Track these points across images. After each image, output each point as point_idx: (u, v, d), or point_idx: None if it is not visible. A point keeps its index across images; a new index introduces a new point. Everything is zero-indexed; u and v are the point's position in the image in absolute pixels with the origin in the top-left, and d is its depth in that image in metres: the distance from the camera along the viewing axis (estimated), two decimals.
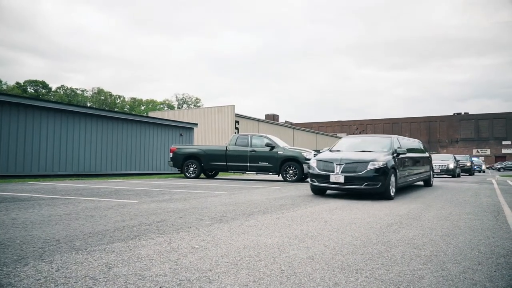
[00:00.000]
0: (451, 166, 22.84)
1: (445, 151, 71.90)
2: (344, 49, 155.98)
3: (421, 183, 13.90)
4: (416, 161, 11.49)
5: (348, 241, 4.11)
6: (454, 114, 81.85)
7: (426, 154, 13.62)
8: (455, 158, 24.37)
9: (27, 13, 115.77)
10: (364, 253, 3.60)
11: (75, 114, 16.85)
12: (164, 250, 3.54)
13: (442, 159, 24.17)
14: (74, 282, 2.63)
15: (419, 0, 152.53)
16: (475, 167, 44.22)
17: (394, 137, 10.47)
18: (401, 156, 9.68)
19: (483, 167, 47.73)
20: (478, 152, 73.45)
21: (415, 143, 13.01)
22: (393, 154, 9.26)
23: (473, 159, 48.69)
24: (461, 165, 28.55)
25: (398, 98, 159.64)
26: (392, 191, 8.81)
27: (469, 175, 30.98)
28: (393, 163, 8.93)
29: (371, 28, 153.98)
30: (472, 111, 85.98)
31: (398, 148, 9.68)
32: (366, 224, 5.22)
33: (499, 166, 56.84)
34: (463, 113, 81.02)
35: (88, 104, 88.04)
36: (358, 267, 3.15)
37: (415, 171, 11.38)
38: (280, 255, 3.46)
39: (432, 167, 14.33)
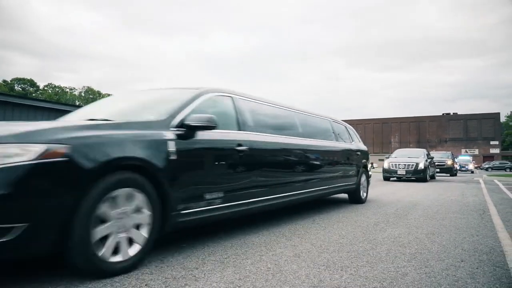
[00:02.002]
0: (421, 165, 16.49)
1: (434, 150, 72.64)
2: (337, 50, 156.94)
3: (344, 196, 7.98)
4: (297, 157, 5.41)
5: (335, 239, 4.14)
6: (443, 114, 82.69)
7: (349, 145, 7.51)
8: (427, 155, 18.50)
9: (20, 12, 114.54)
10: (350, 251, 3.63)
11: (63, 113, 16.70)
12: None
13: (409, 156, 17.94)
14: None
15: (411, 2, 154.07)
16: (460, 166, 36.68)
17: (207, 91, 4.19)
18: (202, 135, 3.68)
19: (470, 166, 39.05)
20: (467, 152, 74.30)
21: (314, 119, 6.59)
22: (178, 129, 3.48)
23: (461, 156, 43.91)
24: (438, 163, 23.60)
25: (389, 98, 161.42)
26: (123, 252, 2.82)
27: (450, 175, 25.13)
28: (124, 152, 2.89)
29: (364, 30, 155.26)
30: (462, 111, 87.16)
31: (197, 115, 3.62)
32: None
33: (487, 166, 57.60)
34: (452, 113, 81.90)
35: (77, 103, 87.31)
36: (344, 264, 3.18)
37: (297, 178, 5.36)
38: (266, 253, 3.48)
39: (367, 170, 8.20)
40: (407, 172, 16.65)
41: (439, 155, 26.37)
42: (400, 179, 17.70)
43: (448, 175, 25.32)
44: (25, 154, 2.36)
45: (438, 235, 4.54)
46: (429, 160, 17.85)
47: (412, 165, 16.63)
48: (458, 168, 32.37)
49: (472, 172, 38.79)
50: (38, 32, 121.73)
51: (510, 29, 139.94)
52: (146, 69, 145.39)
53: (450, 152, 29.22)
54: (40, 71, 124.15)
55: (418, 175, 16.51)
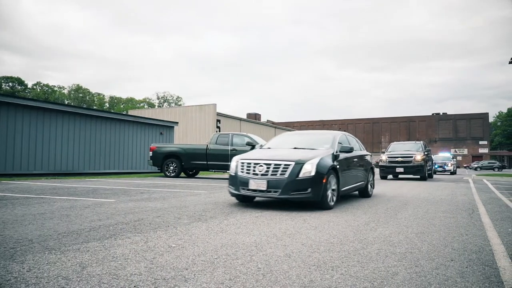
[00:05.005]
0: (310, 169, 6.32)
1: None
2: (326, 51, 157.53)
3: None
4: None
5: (325, 239, 4.14)
6: (433, 114, 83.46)
7: None
8: (341, 149, 7.50)
9: (8, 10, 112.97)
10: (340, 251, 3.63)
11: (52, 112, 16.50)
12: (140, 249, 3.50)
13: (294, 146, 7.58)
14: (46, 282, 2.57)
15: (399, 4, 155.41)
16: (437, 166, 29.23)
17: None
18: None
19: (449, 166, 30.04)
20: (456, 152, 75.04)
21: None
22: None
23: (440, 153, 36.94)
24: (401, 159, 17.21)
25: (379, 99, 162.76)
26: None
27: (421, 178, 17.54)
28: None
29: (353, 31, 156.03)
30: (451, 111, 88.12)
31: None
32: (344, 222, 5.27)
33: (475, 166, 58.34)
34: (441, 113, 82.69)
35: (66, 102, 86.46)
36: (334, 264, 3.17)
37: None
38: (257, 253, 3.46)
39: None
40: (269, 187, 6.39)
41: (404, 148, 19.01)
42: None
43: (418, 177, 17.91)
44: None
45: (428, 234, 4.56)
46: (343, 158, 7.55)
47: (276, 168, 6.48)
48: (434, 167, 25.80)
49: (452, 173, 30.47)
50: (28, 30, 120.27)
51: (497, 31, 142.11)
52: (136, 68, 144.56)
53: (421, 142, 20.15)
54: (28, 70, 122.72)
55: (293, 194, 6.33)
